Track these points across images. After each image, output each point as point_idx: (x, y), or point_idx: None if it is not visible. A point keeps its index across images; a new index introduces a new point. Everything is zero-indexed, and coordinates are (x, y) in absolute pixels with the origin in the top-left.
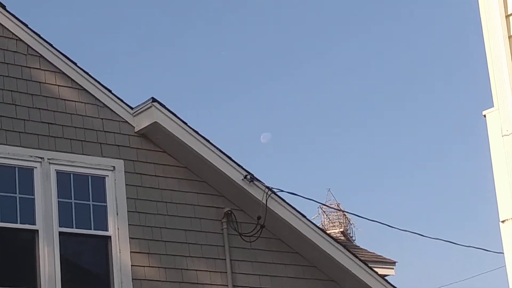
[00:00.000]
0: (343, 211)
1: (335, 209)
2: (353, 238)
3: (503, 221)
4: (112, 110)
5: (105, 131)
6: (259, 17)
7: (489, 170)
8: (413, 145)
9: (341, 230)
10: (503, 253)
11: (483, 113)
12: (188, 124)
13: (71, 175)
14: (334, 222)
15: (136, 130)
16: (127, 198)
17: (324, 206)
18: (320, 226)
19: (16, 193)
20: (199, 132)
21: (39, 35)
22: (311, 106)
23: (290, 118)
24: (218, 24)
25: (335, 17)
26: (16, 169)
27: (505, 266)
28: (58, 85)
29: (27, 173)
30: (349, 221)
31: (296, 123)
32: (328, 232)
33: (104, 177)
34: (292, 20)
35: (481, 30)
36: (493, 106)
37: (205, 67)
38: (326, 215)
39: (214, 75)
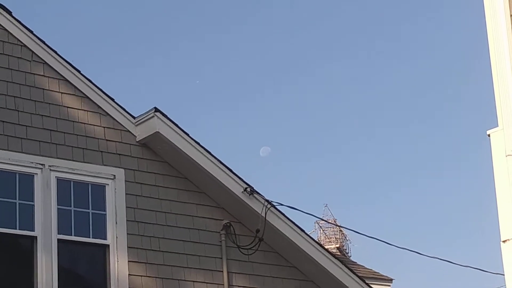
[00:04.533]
0: (340, 227)
1: (332, 224)
2: (349, 254)
3: (504, 241)
4: (114, 119)
5: (106, 140)
6: (261, 31)
7: (491, 190)
8: (414, 163)
9: (337, 245)
10: (501, 274)
11: (487, 132)
12: (190, 135)
13: (72, 182)
14: (331, 237)
15: (137, 140)
16: (126, 207)
17: (321, 222)
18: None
19: (16, 199)
20: (201, 143)
21: (44, 42)
22: (310, 121)
23: (289, 133)
24: (220, 37)
25: (336, 33)
26: (17, 175)
27: (504, 286)
28: (61, 92)
29: (27, 180)
30: (345, 237)
31: (295, 138)
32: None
33: (104, 186)
34: (292, 35)
35: (488, 52)
36: (497, 126)
37: (207, 79)
38: (323, 230)
39: (215, 87)
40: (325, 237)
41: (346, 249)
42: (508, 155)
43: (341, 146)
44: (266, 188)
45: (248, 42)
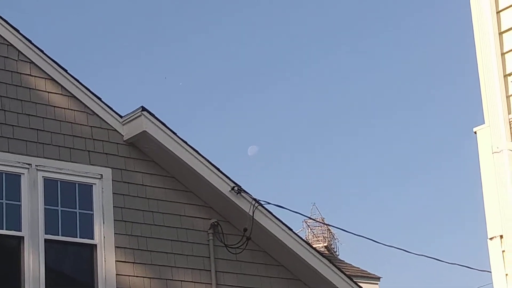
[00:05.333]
0: (328, 225)
1: (320, 222)
2: (337, 253)
3: (491, 239)
4: (101, 118)
5: (93, 139)
6: (249, 29)
7: (478, 187)
8: (401, 161)
9: (325, 244)
10: (487, 271)
11: (474, 130)
12: (177, 134)
13: (58, 182)
14: (319, 236)
15: (125, 139)
16: (113, 206)
17: (309, 221)
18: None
19: (2, 199)
20: (188, 143)
21: (30, 41)
22: (297, 120)
23: (276, 132)
24: (208, 35)
25: (324, 30)
26: (4, 175)
27: (491, 283)
28: (48, 92)
29: (14, 179)
30: (333, 235)
31: (282, 137)
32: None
33: (92, 185)
34: (280, 33)
35: (474, 47)
36: (484, 123)
37: (194, 78)
38: (311, 229)
39: (202, 86)
40: (313, 236)
41: (334, 248)
42: (495, 152)
43: (328, 145)
44: (254, 187)
45: (235, 41)
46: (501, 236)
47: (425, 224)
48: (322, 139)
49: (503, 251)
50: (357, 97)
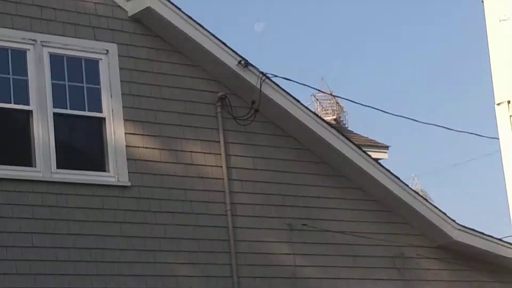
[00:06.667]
0: (336, 97)
1: (329, 94)
2: (346, 126)
3: (498, 104)
4: None
5: (98, 15)
6: None
7: (485, 54)
8: (405, 22)
9: (334, 117)
10: (495, 138)
11: None
12: (182, 9)
13: (64, 57)
14: (327, 109)
15: (129, 15)
16: (121, 81)
17: (317, 94)
18: None
19: (9, 74)
20: (193, 18)
21: None
22: None
23: (284, 7)
24: None
25: None
26: (9, 51)
27: (499, 150)
28: None
29: (20, 55)
30: (342, 108)
31: (289, 12)
32: None
33: (98, 60)
34: None
35: None
36: None
37: None
38: (319, 102)
39: None
40: (321, 109)
41: (343, 121)
42: (502, 20)
43: (335, 18)
44: (262, 64)
45: None
46: (509, 102)
47: (432, 91)
48: (329, 11)
49: (511, 116)
50: None
